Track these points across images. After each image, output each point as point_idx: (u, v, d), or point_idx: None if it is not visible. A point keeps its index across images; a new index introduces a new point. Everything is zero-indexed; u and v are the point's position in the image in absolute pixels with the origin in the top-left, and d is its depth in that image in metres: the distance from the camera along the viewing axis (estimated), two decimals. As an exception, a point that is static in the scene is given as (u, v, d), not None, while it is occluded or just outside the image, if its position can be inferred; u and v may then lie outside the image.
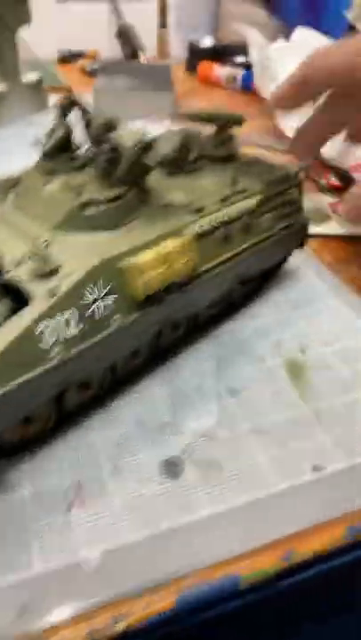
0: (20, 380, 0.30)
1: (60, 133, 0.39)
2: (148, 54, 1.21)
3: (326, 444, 0.37)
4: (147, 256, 0.35)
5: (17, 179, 0.41)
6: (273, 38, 1.23)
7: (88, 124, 0.38)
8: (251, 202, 0.43)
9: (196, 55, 1.12)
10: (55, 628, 0.27)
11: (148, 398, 0.40)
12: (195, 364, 0.43)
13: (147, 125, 0.87)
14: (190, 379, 0.41)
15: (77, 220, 0.36)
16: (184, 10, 1.20)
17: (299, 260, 0.54)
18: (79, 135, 0.40)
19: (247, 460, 0.36)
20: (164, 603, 0.28)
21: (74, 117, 0.40)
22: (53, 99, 0.93)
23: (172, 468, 0.35)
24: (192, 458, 0.36)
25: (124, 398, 0.40)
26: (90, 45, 1.20)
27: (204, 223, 0.39)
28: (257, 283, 0.50)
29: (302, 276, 0.54)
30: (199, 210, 0.40)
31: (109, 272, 0.34)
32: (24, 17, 0.81)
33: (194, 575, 0.30)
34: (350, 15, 0.98)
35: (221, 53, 1.12)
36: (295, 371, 0.43)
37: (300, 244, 0.51)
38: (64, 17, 1.16)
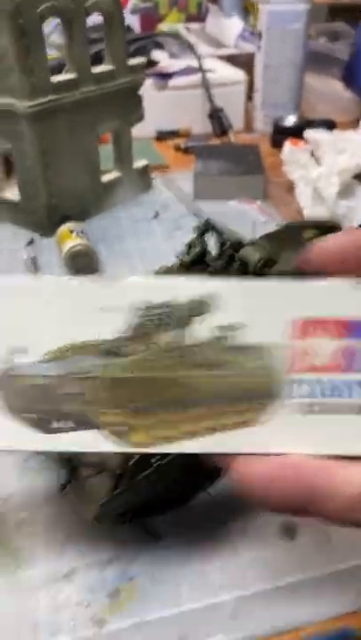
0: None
1: (197, 250, 0.49)
2: (236, 128, 1.34)
3: None
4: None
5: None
6: (352, 116, 1.33)
7: (221, 243, 0.48)
8: None
9: (281, 132, 1.23)
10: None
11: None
12: None
13: (239, 206, 0.98)
14: None
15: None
16: (269, 90, 1.32)
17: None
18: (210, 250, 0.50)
19: None
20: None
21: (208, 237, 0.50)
22: (155, 178, 1.06)
23: (289, 531, 0.42)
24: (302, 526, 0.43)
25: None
26: (183, 124, 1.35)
27: None
28: None
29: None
30: None
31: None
32: (139, 117, 0.94)
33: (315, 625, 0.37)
34: None
35: (305, 129, 1.22)
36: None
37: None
38: (161, 101, 1.32)
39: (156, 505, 0.43)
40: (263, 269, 0.47)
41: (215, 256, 0.49)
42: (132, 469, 0.37)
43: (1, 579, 0.39)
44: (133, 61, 0.90)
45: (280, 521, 0.43)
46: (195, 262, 0.49)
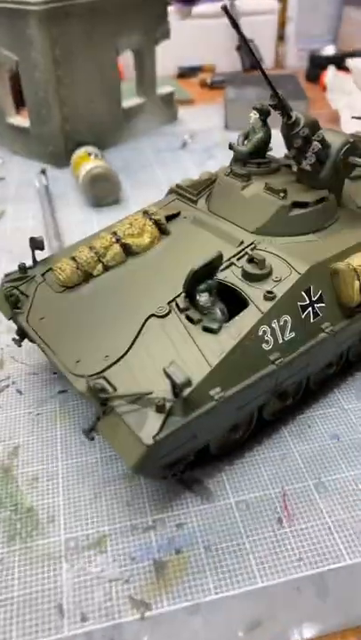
0: (238, 387, 0.29)
1: (260, 136, 0.38)
2: (266, 65, 1.21)
3: None
4: (357, 260, 0.33)
5: (203, 183, 0.41)
6: None
7: (293, 123, 0.37)
8: None
9: (318, 65, 1.10)
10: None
11: (339, 414, 0.38)
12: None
13: (279, 134, 0.86)
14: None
15: (283, 223, 0.35)
16: (303, 20, 1.19)
17: None
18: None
19: None
20: None
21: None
22: (181, 112, 0.94)
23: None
24: None
25: (313, 412, 0.38)
26: (206, 60, 1.22)
27: None
28: None
29: None
30: None
31: (321, 277, 0.33)
32: (165, 32, 0.83)
33: None
34: None
35: (344, 61, 1.09)
36: None
37: None
38: (183, 33, 1.18)
39: (215, 450, 0.33)
40: (347, 158, 0.36)
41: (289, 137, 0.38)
42: (190, 399, 0.27)
43: (15, 546, 0.30)
44: None
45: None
46: (253, 154, 0.39)
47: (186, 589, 0.28)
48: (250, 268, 0.32)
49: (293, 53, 1.22)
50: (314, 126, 0.36)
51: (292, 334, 0.31)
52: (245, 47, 1.16)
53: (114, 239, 0.37)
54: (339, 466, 0.34)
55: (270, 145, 0.39)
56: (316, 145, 0.35)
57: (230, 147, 0.39)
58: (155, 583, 0.28)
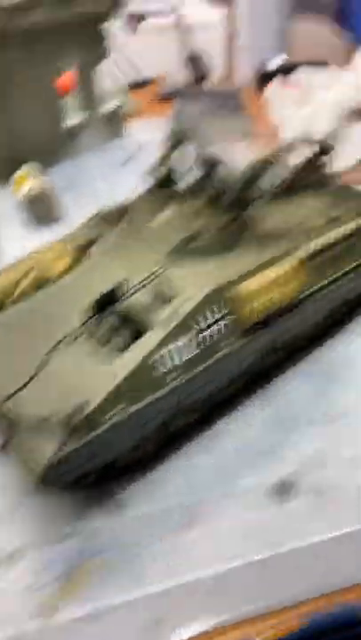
0: (138, 406, 0.32)
1: (168, 165, 0.41)
2: (216, 75, 1.24)
3: None
4: (255, 283, 0.36)
5: (125, 208, 0.44)
6: (340, 58, 1.23)
7: (199, 157, 0.40)
8: (356, 222, 0.43)
9: (266, 78, 1.14)
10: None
11: (249, 422, 0.41)
12: (296, 386, 0.43)
13: (224, 148, 0.90)
14: (291, 402, 0.42)
15: (189, 248, 0.38)
16: (251, 32, 1.22)
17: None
18: (184, 166, 0.42)
19: (353, 486, 0.36)
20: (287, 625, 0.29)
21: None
22: (129, 126, 0.97)
23: (278, 494, 0.36)
24: (298, 485, 0.36)
25: (224, 422, 0.41)
26: (158, 71, 1.24)
27: (312, 246, 0.40)
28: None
29: None
30: (305, 233, 0.40)
31: (220, 299, 0.35)
32: (103, 53, 0.85)
33: (313, 602, 0.30)
34: None
35: (292, 73, 1.13)
36: None
37: None
38: (134, 46, 1.21)
39: (121, 465, 0.36)
40: (245, 192, 0.39)
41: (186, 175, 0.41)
42: (89, 419, 0.30)
43: None
44: (97, -15, 0.80)
45: (273, 481, 0.36)
46: (166, 180, 0.41)
47: (91, 597, 0.30)
48: (151, 296, 0.35)
49: (243, 66, 1.26)
50: (214, 164, 0.39)
51: (190, 355, 0.34)
52: (193, 60, 1.19)
53: (30, 266, 0.39)
54: (243, 475, 0.37)
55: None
56: (215, 178, 0.38)
57: (147, 171, 0.42)
58: (61, 592, 0.31)
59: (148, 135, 0.94)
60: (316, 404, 0.42)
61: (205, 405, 0.39)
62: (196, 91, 1.12)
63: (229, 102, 0.96)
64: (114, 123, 0.92)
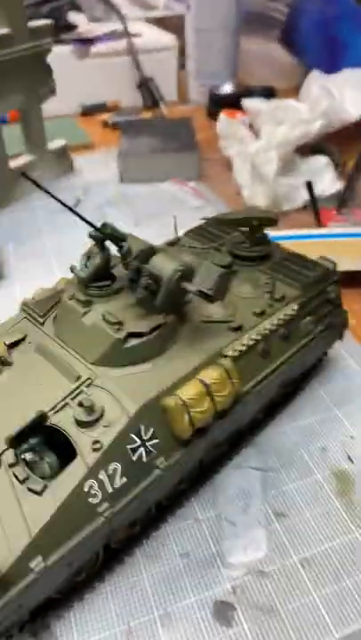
0: (73, 541, 0.30)
1: (97, 261, 0.38)
2: (169, 99, 1.22)
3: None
4: (189, 391, 0.34)
5: (54, 298, 0.41)
6: (292, 82, 1.22)
7: (124, 253, 0.37)
8: (289, 310, 0.42)
9: (217, 103, 1.12)
10: None
11: (193, 527, 0.39)
12: (238, 480, 0.42)
13: (172, 187, 0.87)
14: (235, 499, 0.40)
15: (119, 354, 0.35)
16: (201, 56, 1.20)
17: (338, 344, 0.53)
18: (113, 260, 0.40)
19: (300, 599, 0.34)
20: None
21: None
22: (78, 159, 0.94)
23: (223, 613, 0.34)
24: (243, 599, 0.34)
25: (167, 527, 0.39)
26: (110, 96, 1.21)
27: (244, 342, 0.38)
28: (297, 381, 0.49)
29: (342, 364, 0.52)
30: (237, 328, 0.39)
31: (152, 414, 0.33)
32: (51, 89, 0.82)
33: None
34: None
35: (243, 98, 1.12)
36: (344, 486, 0.41)
37: (340, 337, 0.50)
38: (84, 72, 1.17)
39: (53, 599, 0.34)
40: (181, 283, 0.37)
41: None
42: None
43: None
44: (36, 23, 0.76)
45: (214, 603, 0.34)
46: (95, 277, 0.39)
47: None
48: (79, 413, 0.32)
49: (195, 89, 1.24)
50: (147, 255, 0.37)
51: (124, 479, 0.32)
52: (145, 85, 1.17)
53: None
54: (185, 590, 0.35)
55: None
56: (144, 280, 0.36)
57: (72, 270, 0.39)
58: None
59: (96, 172, 0.91)
60: (260, 499, 0.40)
61: (146, 519, 0.37)
62: (144, 120, 1.10)
63: (181, 136, 0.93)
64: (61, 161, 0.89)
